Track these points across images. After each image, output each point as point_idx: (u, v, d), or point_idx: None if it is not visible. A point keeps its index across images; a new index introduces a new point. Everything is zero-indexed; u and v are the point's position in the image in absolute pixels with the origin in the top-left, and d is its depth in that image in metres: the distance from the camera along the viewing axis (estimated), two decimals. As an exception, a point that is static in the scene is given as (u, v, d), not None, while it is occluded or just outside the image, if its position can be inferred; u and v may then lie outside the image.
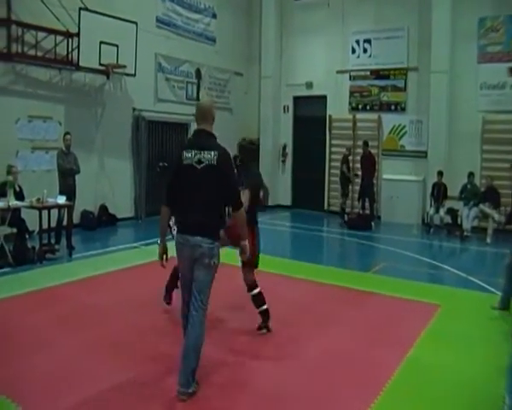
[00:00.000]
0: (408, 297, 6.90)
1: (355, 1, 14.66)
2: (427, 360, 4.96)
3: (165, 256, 4.36)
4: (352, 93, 14.98)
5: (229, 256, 6.25)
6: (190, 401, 4.04)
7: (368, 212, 13.30)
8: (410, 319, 6.14)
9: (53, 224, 9.28)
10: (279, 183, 16.28)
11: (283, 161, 16.34)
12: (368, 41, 14.58)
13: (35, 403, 3.97)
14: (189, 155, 4.17)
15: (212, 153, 4.16)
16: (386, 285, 7.52)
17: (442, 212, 12.32)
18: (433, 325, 5.92)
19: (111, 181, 12.09)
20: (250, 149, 5.95)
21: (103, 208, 11.87)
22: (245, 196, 5.02)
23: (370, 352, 5.10)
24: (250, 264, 5.35)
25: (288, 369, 4.71)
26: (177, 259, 4.33)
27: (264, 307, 5.52)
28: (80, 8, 10.50)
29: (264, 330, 5.53)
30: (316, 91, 15.54)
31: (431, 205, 12.62)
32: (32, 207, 8.48)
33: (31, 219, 8.74)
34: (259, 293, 5.50)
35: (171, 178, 4.32)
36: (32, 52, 10.23)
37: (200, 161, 4.14)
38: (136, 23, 11.65)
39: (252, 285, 5.48)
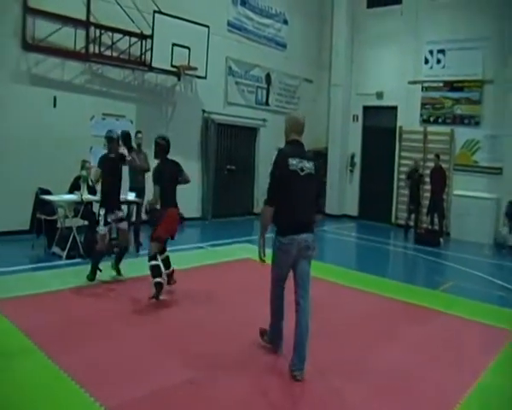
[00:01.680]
0: (477, 320, 6.53)
1: (430, 9, 14.28)
2: (498, 387, 4.65)
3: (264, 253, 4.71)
4: (423, 105, 14.57)
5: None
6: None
7: (436, 227, 12.86)
8: (480, 343, 5.80)
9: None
10: (346, 192, 16.07)
11: (351, 171, 16.09)
12: (442, 51, 14.16)
13: (102, 391, 3.98)
14: (294, 162, 4.57)
15: (312, 163, 4.69)
16: (455, 305, 7.16)
17: (516, 232, 11.76)
18: (504, 352, 5.55)
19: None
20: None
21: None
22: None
23: (436, 374, 4.81)
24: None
25: (350, 384, 4.51)
26: (279, 259, 4.64)
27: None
28: (154, 11, 10.76)
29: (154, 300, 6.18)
30: (386, 102, 15.24)
31: (504, 224, 12.08)
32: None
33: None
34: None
35: (275, 181, 4.61)
36: (107, 53, 10.54)
37: (302, 169, 4.59)
38: (208, 27, 11.79)
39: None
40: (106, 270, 7.35)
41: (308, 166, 4.62)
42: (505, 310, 7.22)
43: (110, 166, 7.04)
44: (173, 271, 6.75)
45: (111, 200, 7.05)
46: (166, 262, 6.69)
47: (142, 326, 5.52)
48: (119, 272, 7.36)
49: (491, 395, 4.49)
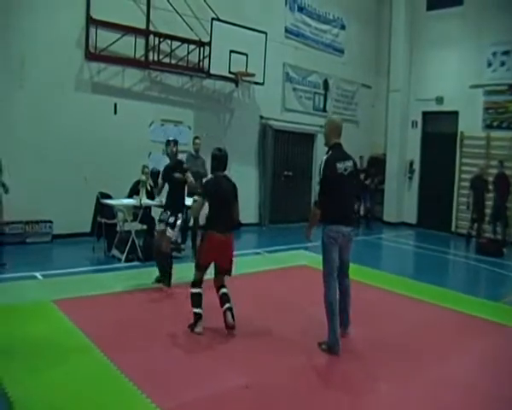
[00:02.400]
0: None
1: (493, 10, 13.72)
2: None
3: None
4: (486, 109, 14.08)
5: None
6: None
7: (499, 237, 12.39)
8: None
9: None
10: (404, 200, 15.75)
11: (410, 178, 15.75)
12: (506, 53, 13.62)
13: (160, 396, 4.00)
14: (340, 166, 5.13)
15: (351, 162, 5.30)
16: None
17: None
18: None
19: (237, 186, 12.21)
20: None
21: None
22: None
23: (498, 389, 4.60)
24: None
25: (406, 395, 4.39)
26: (330, 246, 5.17)
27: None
28: (212, 19, 10.88)
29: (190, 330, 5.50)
30: (447, 107, 14.81)
31: None
32: (161, 206, 8.75)
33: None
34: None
35: (326, 185, 5.14)
36: (166, 60, 10.74)
37: (345, 169, 5.16)
38: (265, 33, 11.82)
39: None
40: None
41: (349, 164, 5.23)
42: None
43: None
44: (229, 310, 5.57)
45: (170, 204, 7.19)
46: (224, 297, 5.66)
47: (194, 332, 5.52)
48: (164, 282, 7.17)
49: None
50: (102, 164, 9.90)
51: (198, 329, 5.45)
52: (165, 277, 7.03)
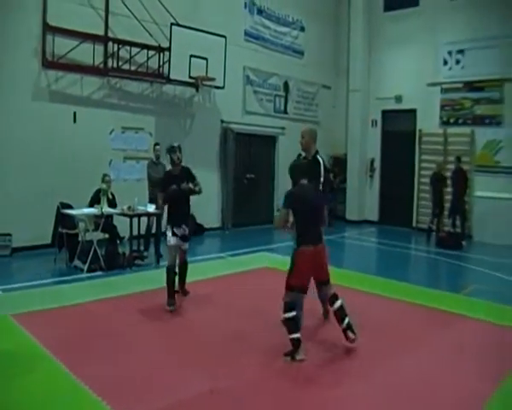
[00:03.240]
0: (502, 323, 6.42)
1: (447, 10, 14.14)
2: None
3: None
4: (443, 107, 14.44)
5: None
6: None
7: (459, 230, 12.72)
8: (502, 348, 5.70)
9: (142, 231, 9.60)
10: (366, 198, 16.02)
11: (371, 176, 16.02)
12: (461, 52, 14.01)
13: (122, 404, 4.03)
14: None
15: None
16: (478, 309, 7.03)
17: (541, 233, 11.57)
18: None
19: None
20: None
21: (191, 218, 12.03)
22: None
23: (457, 380, 4.76)
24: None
25: (369, 390, 4.51)
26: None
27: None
28: (171, 24, 10.85)
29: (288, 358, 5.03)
30: (405, 105, 15.14)
31: (529, 225, 11.89)
32: (123, 214, 8.77)
33: (122, 225, 9.05)
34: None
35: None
36: (125, 66, 10.68)
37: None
38: (225, 37, 11.86)
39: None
40: (123, 282, 7.43)
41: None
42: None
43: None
44: (349, 329, 5.31)
45: (177, 216, 6.74)
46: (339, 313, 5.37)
47: (162, 339, 5.56)
48: (185, 293, 7.07)
49: (512, 401, 4.44)
50: (62, 174, 9.80)
51: (300, 356, 4.96)
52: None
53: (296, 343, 4.98)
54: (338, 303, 5.28)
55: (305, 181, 5.24)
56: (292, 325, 5.06)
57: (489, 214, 12.63)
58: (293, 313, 5.06)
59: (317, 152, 5.94)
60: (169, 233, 6.62)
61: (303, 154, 6.02)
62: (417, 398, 4.41)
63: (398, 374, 4.87)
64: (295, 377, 4.72)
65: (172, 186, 6.58)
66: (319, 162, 5.76)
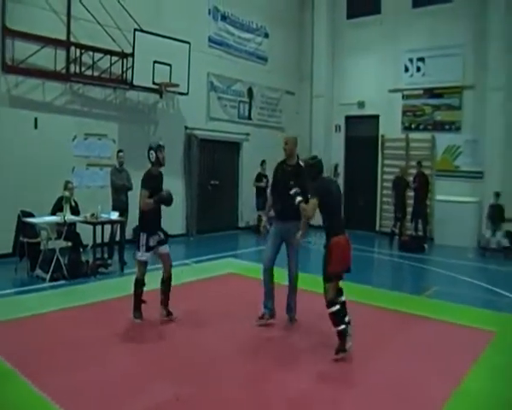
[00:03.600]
0: (462, 323, 6.62)
1: (408, 19, 14.51)
2: (482, 389, 4.73)
3: None
4: (404, 112, 14.77)
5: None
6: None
7: (421, 234, 12.97)
8: (464, 346, 5.87)
9: (106, 239, 9.48)
10: (330, 202, 16.09)
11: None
12: (421, 59, 14.38)
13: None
14: None
15: None
16: (439, 310, 7.24)
17: (499, 235, 11.91)
18: (487, 353, 5.63)
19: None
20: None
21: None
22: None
23: (420, 380, 4.88)
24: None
25: (333, 393, 4.58)
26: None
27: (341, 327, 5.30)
28: (135, 29, 10.77)
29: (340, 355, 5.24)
30: (368, 111, 15.41)
31: (487, 228, 12.22)
32: (86, 222, 8.66)
33: (85, 233, 8.92)
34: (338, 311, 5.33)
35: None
36: (88, 72, 10.55)
37: None
38: (189, 43, 11.85)
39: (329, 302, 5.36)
40: (87, 290, 7.33)
41: None
42: (489, 312, 7.33)
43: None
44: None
45: (155, 221, 6.31)
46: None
47: (126, 348, 5.50)
48: (169, 313, 6.40)
49: (474, 398, 4.56)
50: (23, 181, 9.60)
51: (348, 344, 5.22)
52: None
53: (344, 333, 5.22)
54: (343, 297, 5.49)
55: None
56: (337, 317, 5.26)
57: (449, 218, 12.91)
58: (338, 307, 5.27)
59: (298, 158, 6.33)
60: (142, 247, 6.11)
61: (298, 160, 6.39)
62: (384, 399, 4.49)
63: (364, 377, 4.95)
64: (263, 384, 4.75)
65: (165, 190, 6.23)
66: (302, 167, 6.10)
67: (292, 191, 5.56)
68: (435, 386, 4.74)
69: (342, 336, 5.23)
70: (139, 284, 6.29)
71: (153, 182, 6.20)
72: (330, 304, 5.28)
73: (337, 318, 5.26)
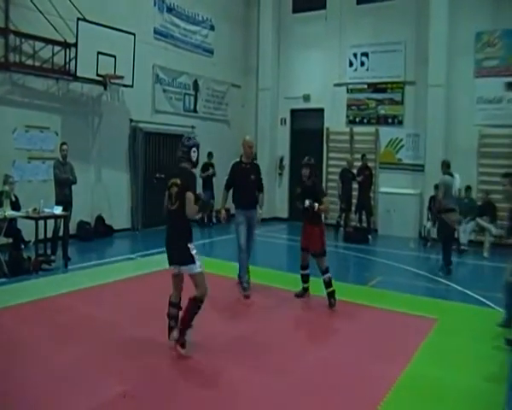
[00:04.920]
0: (405, 311, 6.87)
1: (353, 15, 14.78)
2: (426, 374, 4.92)
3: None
4: (349, 106, 15.04)
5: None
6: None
7: (365, 225, 13.28)
8: (408, 333, 6.11)
9: (49, 234, 9.23)
10: (276, 195, 16.30)
11: (280, 174, 16.34)
12: (365, 54, 14.68)
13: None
14: None
15: None
16: (384, 299, 7.49)
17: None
18: (430, 340, 5.88)
19: (107, 192, 12.06)
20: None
21: (100, 219, 11.81)
22: None
23: (367, 366, 5.05)
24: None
25: (282, 382, 4.66)
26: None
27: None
28: (78, 19, 10.52)
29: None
30: (313, 104, 15.61)
31: (428, 218, 12.64)
32: (28, 217, 8.44)
33: (27, 229, 8.70)
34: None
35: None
36: (29, 62, 10.23)
37: None
38: (134, 34, 11.67)
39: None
40: (29, 288, 7.12)
41: None
42: (431, 300, 7.64)
43: None
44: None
45: None
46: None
47: (68, 347, 5.34)
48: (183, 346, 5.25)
49: (418, 383, 4.73)
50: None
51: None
52: None
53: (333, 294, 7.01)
54: None
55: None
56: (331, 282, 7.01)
57: (392, 209, 13.29)
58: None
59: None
60: (197, 255, 5.23)
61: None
62: (328, 386, 4.62)
63: (309, 366, 5.06)
64: (207, 375, 4.79)
65: (201, 193, 5.38)
66: (257, 164, 8.03)
67: (306, 204, 6.97)
68: (381, 371, 4.92)
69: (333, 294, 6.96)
70: (202, 302, 5.24)
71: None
72: (328, 270, 6.97)
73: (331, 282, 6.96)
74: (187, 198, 5.03)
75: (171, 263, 5.26)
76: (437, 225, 10.88)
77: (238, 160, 7.82)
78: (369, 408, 4.17)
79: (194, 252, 5.13)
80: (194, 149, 5.31)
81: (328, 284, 6.95)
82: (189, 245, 5.14)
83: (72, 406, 4.12)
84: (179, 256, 5.15)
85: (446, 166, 9.95)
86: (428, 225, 12.47)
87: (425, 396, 4.48)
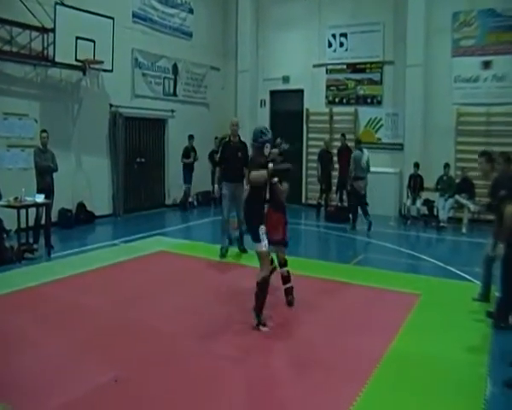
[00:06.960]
0: (389, 288, 7.03)
1: (332, -5, 14.75)
2: (411, 348, 5.07)
3: None
4: (328, 87, 15.08)
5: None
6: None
7: (346, 204, 13.40)
8: (392, 309, 6.27)
9: (31, 223, 9.18)
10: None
11: (261, 155, 16.30)
12: (344, 35, 14.70)
13: (22, 404, 3.95)
14: None
15: None
16: (367, 276, 7.65)
17: (419, 203, 12.55)
18: (414, 315, 6.05)
19: (88, 178, 12.01)
20: None
21: (81, 206, 11.76)
22: None
23: (354, 342, 5.19)
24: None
25: (271, 360, 4.80)
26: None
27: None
28: (56, 3, 10.37)
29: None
30: (293, 85, 15.60)
31: (408, 197, 12.84)
32: (9, 206, 8.40)
33: (8, 218, 8.66)
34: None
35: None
36: (6, 48, 10.06)
37: None
38: (112, 18, 11.55)
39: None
40: (11, 277, 7.13)
41: None
42: (413, 276, 7.86)
43: None
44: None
45: None
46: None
47: (57, 334, 5.39)
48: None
49: (405, 357, 4.88)
50: None
51: None
52: None
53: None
54: None
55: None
56: None
57: (373, 188, 13.39)
58: None
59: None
60: (263, 235, 5.50)
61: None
62: (316, 363, 4.75)
63: (295, 343, 5.20)
64: (199, 358, 4.85)
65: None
66: (244, 142, 8.85)
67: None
68: (367, 347, 5.06)
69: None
70: (268, 283, 5.53)
71: None
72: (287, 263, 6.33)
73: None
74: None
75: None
76: (349, 190, 12.28)
77: (227, 139, 8.97)
78: (358, 384, 4.27)
79: (261, 232, 5.45)
80: (267, 144, 5.64)
81: (286, 278, 6.35)
82: (258, 227, 5.48)
83: (64, 391, 4.16)
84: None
85: (357, 143, 12.40)
86: (408, 202, 12.67)
87: (412, 370, 4.62)
